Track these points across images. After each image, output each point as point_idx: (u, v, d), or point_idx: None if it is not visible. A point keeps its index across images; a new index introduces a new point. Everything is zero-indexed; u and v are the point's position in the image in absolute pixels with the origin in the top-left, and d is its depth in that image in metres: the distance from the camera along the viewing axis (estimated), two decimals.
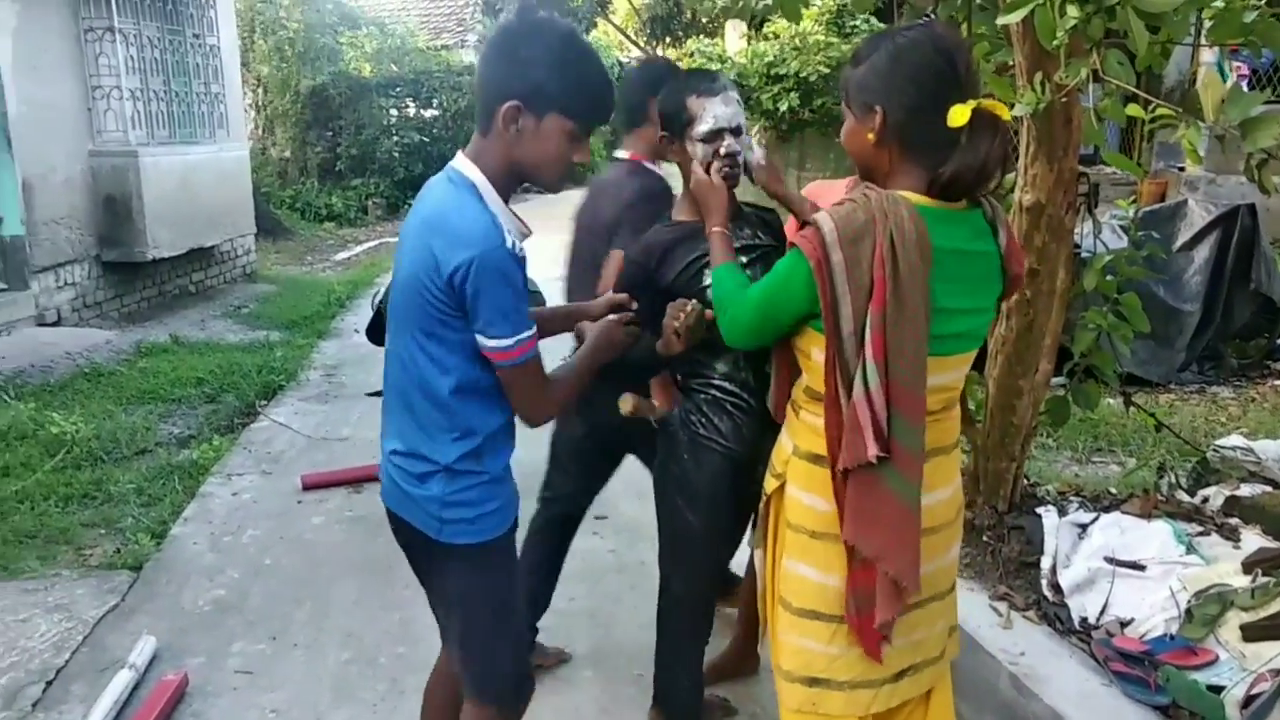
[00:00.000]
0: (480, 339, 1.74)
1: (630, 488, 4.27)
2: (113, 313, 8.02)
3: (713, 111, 2.13)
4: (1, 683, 2.94)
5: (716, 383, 2.21)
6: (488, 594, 1.93)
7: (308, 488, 4.58)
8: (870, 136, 1.70)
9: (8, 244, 6.95)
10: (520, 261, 1.75)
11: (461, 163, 1.80)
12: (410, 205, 1.92)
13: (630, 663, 3.04)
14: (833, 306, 1.65)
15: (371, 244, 13.06)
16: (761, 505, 1.98)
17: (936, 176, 1.66)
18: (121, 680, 2.86)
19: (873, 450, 1.62)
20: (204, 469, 4.77)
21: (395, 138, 15.39)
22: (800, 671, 1.84)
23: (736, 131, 2.15)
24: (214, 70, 9.43)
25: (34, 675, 2.98)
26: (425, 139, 15.53)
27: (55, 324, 7.29)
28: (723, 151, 2.14)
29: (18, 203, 6.91)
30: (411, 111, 15.84)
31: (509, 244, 1.71)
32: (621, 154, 2.78)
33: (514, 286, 1.73)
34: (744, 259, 2.16)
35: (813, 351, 1.76)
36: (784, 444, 1.90)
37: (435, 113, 15.99)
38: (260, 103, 15.38)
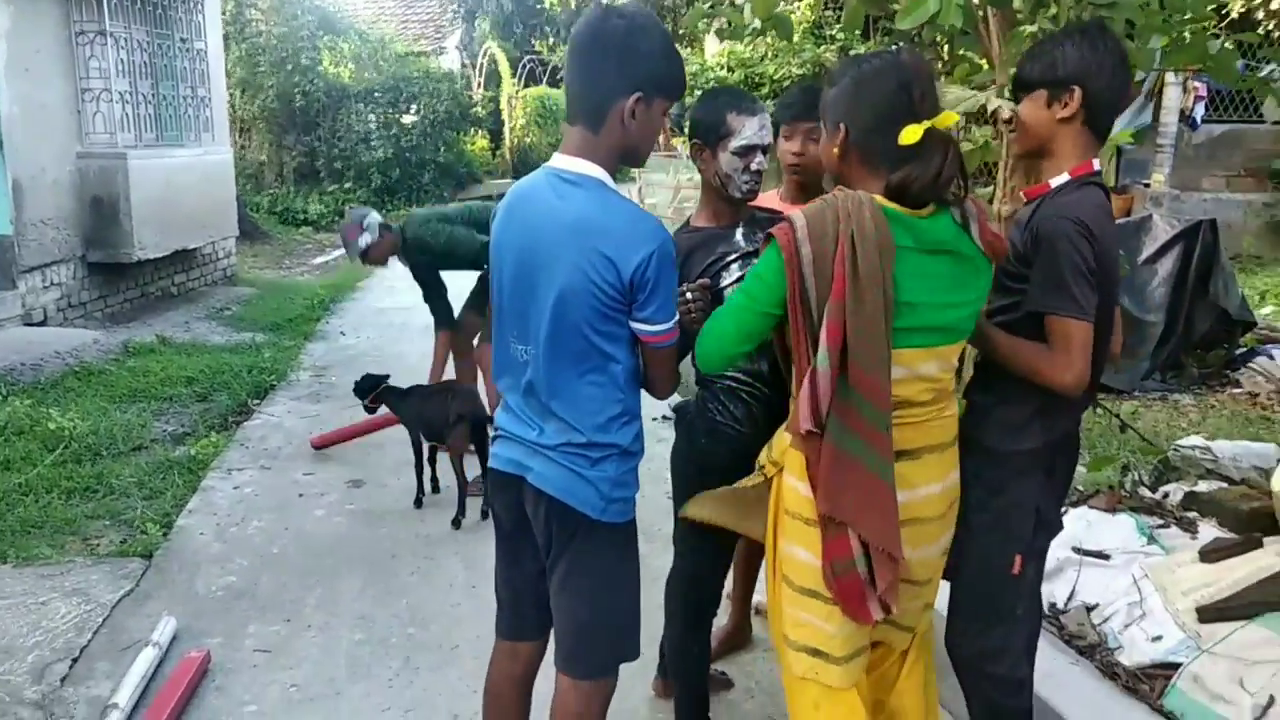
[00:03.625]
0: (642, 326, 1.89)
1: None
2: (97, 313, 8.05)
3: (752, 128, 2.32)
4: (29, 660, 3.05)
5: (731, 373, 2.37)
6: (630, 571, 2.08)
7: (318, 447, 5.13)
8: (835, 151, 1.94)
9: None
10: None
11: (575, 163, 1.90)
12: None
13: None
14: (802, 292, 1.84)
15: None
16: (759, 482, 2.13)
17: (888, 183, 1.86)
18: (146, 657, 2.99)
19: (806, 425, 1.83)
20: (203, 464, 4.88)
21: (373, 143, 15.45)
22: (803, 642, 2.01)
23: (765, 150, 2.35)
24: (200, 74, 9.49)
25: (59, 653, 3.09)
26: (405, 145, 15.60)
27: (41, 324, 7.32)
28: (753, 168, 2.33)
29: (7, 203, 6.96)
30: (389, 117, 15.91)
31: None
32: None
33: (676, 271, 1.92)
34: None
35: None
36: (784, 434, 2.06)
37: (413, 118, 16.06)
38: (236, 106, 15.39)
